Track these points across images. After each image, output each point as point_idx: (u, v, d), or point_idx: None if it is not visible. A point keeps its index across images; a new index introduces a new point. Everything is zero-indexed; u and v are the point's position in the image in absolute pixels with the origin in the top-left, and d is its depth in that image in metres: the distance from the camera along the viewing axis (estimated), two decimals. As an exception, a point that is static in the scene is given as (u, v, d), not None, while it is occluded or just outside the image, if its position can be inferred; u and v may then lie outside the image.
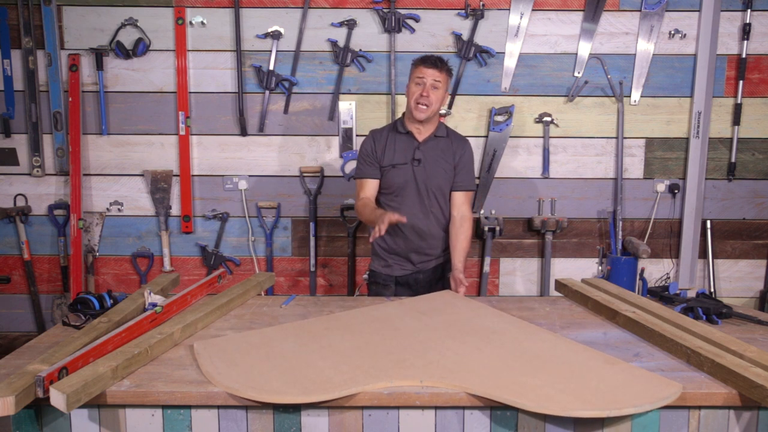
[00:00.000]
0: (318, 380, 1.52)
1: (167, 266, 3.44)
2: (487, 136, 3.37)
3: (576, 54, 3.31)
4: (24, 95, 3.32)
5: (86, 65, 3.31)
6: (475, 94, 3.35)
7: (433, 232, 2.56)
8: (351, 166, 3.39)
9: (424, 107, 2.43)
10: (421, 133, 2.52)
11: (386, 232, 2.54)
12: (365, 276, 2.72)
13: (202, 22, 3.27)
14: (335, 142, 3.39)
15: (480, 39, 3.29)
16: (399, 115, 3.31)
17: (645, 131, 3.39)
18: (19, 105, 3.33)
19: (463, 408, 1.52)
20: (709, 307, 2.06)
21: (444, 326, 1.92)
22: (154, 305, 1.98)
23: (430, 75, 2.41)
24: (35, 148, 3.34)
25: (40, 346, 1.81)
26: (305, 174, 3.39)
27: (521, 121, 3.37)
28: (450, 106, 3.34)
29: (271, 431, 1.53)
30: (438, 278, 2.62)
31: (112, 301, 2.07)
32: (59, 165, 3.38)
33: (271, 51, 3.29)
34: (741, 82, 3.31)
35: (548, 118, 3.34)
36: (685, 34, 3.29)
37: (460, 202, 2.55)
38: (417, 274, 2.59)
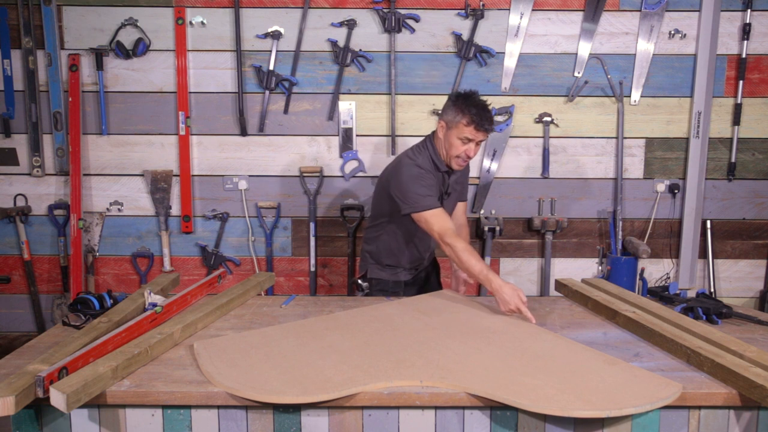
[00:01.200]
0: (318, 380, 1.52)
1: (167, 266, 3.44)
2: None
3: (576, 54, 3.31)
4: (24, 95, 3.32)
5: (86, 65, 3.31)
6: (475, 94, 3.34)
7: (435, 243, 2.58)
8: (351, 166, 3.39)
9: (465, 163, 2.39)
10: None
11: (403, 251, 2.55)
12: (365, 285, 2.60)
13: (202, 22, 3.27)
14: (335, 142, 3.39)
15: (480, 39, 3.28)
16: (399, 116, 3.33)
17: (645, 131, 3.39)
18: (19, 105, 3.33)
19: (463, 408, 1.52)
20: (709, 307, 2.06)
21: (444, 326, 1.92)
22: (154, 305, 1.98)
23: (481, 137, 2.32)
24: (35, 148, 3.34)
25: (40, 346, 1.81)
26: (305, 174, 3.39)
27: (521, 121, 3.37)
28: (450, 106, 3.33)
29: (271, 431, 1.53)
30: (431, 270, 2.77)
31: (112, 301, 2.08)
32: (59, 165, 3.38)
33: (271, 51, 3.29)
34: (741, 82, 3.31)
35: (548, 118, 3.34)
36: (685, 34, 3.29)
37: (460, 212, 2.66)
38: (419, 274, 2.66)
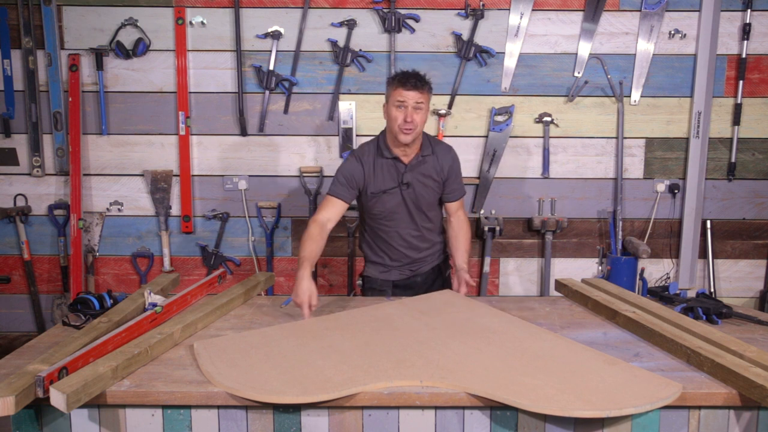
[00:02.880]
0: (318, 380, 1.52)
1: (167, 266, 3.44)
2: (487, 136, 3.37)
3: (576, 54, 3.31)
4: (24, 95, 3.32)
5: (86, 65, 3.31)
6: (475, 94, 3.35)
7: (427, 243, 2.54)
8: (351, 166, 3.39)
9: (409, 131, 2.27)
10: (407, 155, 2.39)
11: (383, 250, 2.53)
12: (359, 282, 2.69)
13: (202, 22, 3.27)
14: (335, 142, 3.39)
15: (480, 39, 3.28)
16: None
17: (645, 131, 3.39)
18: (19, 105, 3.33)
19: (463, 408, 1.52)
20: (709, 307, 2.06)
21: (444, 326, 1.92)
22: (154, 305, 1.98)
23: (412, 98, 2.24)
24: (35, 148, 3.34)
25: (40, 346, 1.81)
26: (305, 174, 3.39)
27: (521, 121, 3.37)
28: (450, 106, 3.33)
29: (271, 431, 1.53)
30: (435, 278, 2.62)
31: (112, 301, 2.08)
32: (59, 165, 3.38)
33: (271, 51, 3.29)
34: (741, 82, 3.31)
35: (548, 118, 3.34)
36: (685, 34, 3.29)
37: (456, 208, 2.53)
38: (415, 278, 2.58)
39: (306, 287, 2.08)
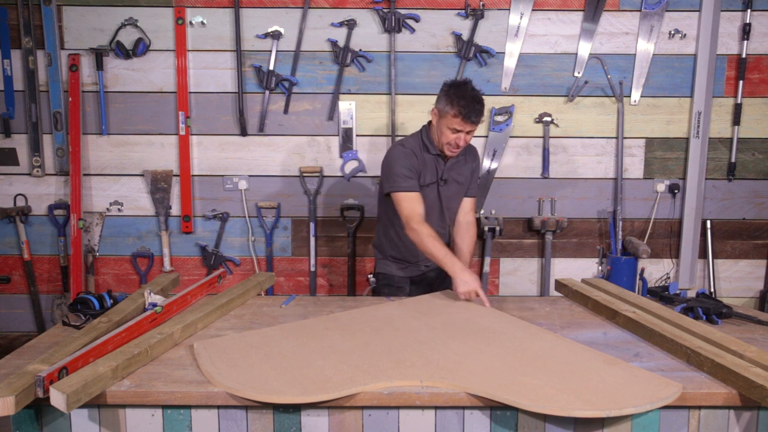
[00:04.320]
0: (318, 380, 1.52)
1: (167, 266, 3.44)
2: (487, 136, 3.37)
3: (576, 54, 3.31)
4: (24, 95, 3.32)
5: (86, 65, 3.31)
6: (475, 94, 3.34)
7: (445, 240, 2.60)
8: (351, 166, 3.39)
9: (456, 151, 2.41)
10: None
11: (407, 246, 2.54)
12: (372, 280, 2.68)
13: (202, 22, 3.27)
14: (335, 142, 3.39)
15: (480, 39, 3.28)
16: (399, 116, 3.33)
17: (645, 131, 3.39)
18: (19, 105, 3.33)
19: (463, 408, 1.52)
20: (709, 307, 2.06)
21: (444, 326, 1.92)
22: (154, 305, 1.98)
23: (470, 127, 2.34)
24: (35, 148, 3.34)
25: (40, 346, 1.81)
26: (305, 174, 3.39)
27: (521, 121, 3.37)
28: (450, 106, 3.33)
29: (271, 431, 1.53)
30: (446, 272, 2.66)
31: (112, 301, 2.08)
32: (59, 165, 3.38)
33: (271, 51, 3.29)
34: (741, 82, 3.31)
35: (548, 118, 3.34)
36: (685, 34, 3.29)
37: (468, 208, 2.62)
38: (429, 273, 2.65)
39: (469, 275, 2.23)
